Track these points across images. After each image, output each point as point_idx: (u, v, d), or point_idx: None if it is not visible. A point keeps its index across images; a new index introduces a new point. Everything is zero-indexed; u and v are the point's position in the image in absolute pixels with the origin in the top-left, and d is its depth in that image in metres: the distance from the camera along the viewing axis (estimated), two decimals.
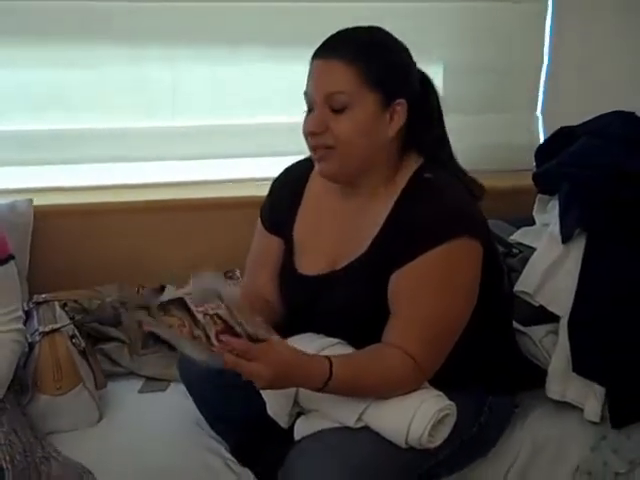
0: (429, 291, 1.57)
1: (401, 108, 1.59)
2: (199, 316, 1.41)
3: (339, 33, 1.63)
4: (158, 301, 1.43)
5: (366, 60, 1.56)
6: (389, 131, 1.59)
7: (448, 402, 1.55)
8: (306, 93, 1.62)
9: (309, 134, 1.60)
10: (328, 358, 1.51)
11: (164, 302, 1.43)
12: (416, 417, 1.51)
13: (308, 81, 1.62)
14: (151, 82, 2.44)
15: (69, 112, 2.41)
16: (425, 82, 1.67)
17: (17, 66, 2.35)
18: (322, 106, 1.58)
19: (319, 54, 1.60)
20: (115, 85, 2.41)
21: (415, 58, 1.66)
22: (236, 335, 1.43)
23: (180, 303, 1.42)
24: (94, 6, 2.33)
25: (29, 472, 1.64)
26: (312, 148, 1.62)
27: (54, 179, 2.44)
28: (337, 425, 1.58)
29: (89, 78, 2.39)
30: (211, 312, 1.41)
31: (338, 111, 1.56)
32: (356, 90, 1.55)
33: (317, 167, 1.65)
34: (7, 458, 1.61)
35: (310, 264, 1.73)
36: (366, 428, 1.56)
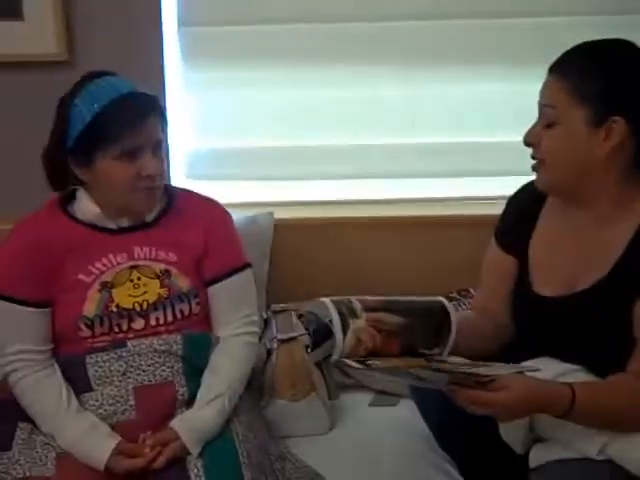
0: None
1: (617, 126, 1.54)
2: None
3: (572, 48, 1.62)
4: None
5: (580, 75, 1.56)
6: (603, 149, 1.55)
7: None
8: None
9: (525, 145, 1.64)
10: (570, 386, 1.48)
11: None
12: None
13: None
14: (388, 101, 2.48)
15: (312, 129, 2.50)
16: None
17: (263, 85, 2.47)
18: (539, 119, 1.61)
19: (549, 70, 1.63)
20: (355, 104, 2.47)
21: None
22: (467, 386, 1.46)
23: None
24: (338, 28, 2.43)
25: (264, 467, 1.72)
26: (531, 158, 1.65)
27: (294, 194, 2.54)
28: (576, 455, 1.53)
29: (332, 96, 2.47)
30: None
31: (549, 125, 1.58)
32: (565, 105, 1.56)
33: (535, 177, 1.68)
34: (245, 453, 1.69)
35: (547, 284, 1.69)
36: (608, 461, 1.51)
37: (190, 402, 1.77)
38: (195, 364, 1.79)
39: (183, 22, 2.43)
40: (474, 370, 1.47)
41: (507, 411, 1.47)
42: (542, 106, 1.61)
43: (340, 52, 2.44)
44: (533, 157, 1.63)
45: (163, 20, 2.38)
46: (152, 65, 2.36)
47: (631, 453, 1.48)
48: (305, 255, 2.39)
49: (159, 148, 1.76)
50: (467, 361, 1.57)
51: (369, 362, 1.48)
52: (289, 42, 2.43)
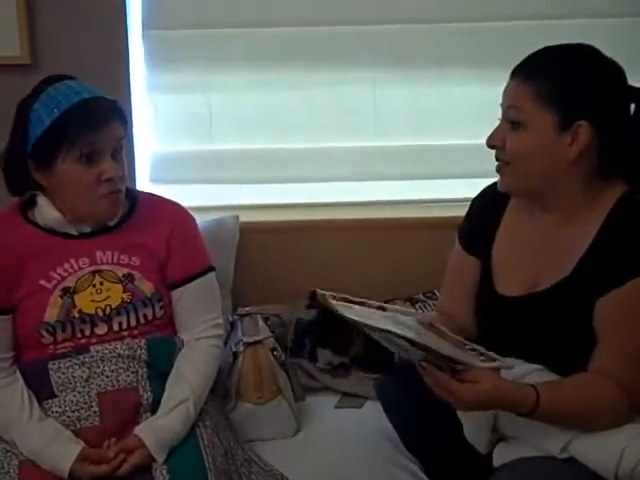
0: (638, 318, 1.52)
1: (583, 130, 1.55)
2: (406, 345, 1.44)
3: (536, 52, 1.62)
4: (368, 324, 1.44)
5: (543, 79, 1.56)
6: (569, 153, 1.56)
7: None
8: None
9: (488, 146, 1.63)
10: (534, 387, 1.49)
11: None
12: (629, 449, 1.46)
13: None
14: (354, 104, 2.50)
15: (276, 132, 2.51)
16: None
17: (229, 89, 2.48)
18: (503, 120, 1.61)
19: (512, 72, 1.63)
20: (321, 106, 2.49)
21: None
22: (439, 368, 1.45)
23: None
24: (301, 31, 2.44)
25: (230, 473, 1.72)
26: (495, 160, 1.65)
27: (260, 197, 2.55)
28: (539, 454, 1.54)
29: (295, 100, 2.49)
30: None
31: (515, 127, 1.58)
32: (530, 108, 1.56)
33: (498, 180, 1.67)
34: (210, 459, 1.69)
35: (510, 285, 1.70)
36: (571, 459, 1.52)
37: (155, 407, 1.76)
38: (160, 368, 1.78)
39: (148, 25, 2.43)
40: (451, 354, 1.45)
41: (469, 405, 1.48)
42: (506, 107, 1.61)
43: (305, 56, 2.46)
44: (497, 159, 1.63)
45: (128, 23, 2.37)
46: (117, 68, 2.35)
47: (592, 451, 1.49)
48: (271, 258, 2.40)
49: (120, 152, 1.75)
50: (455, 337, 1.55)
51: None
52: (254, 46, 2.44)
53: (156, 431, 1.71)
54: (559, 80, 1.56)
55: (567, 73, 1.57)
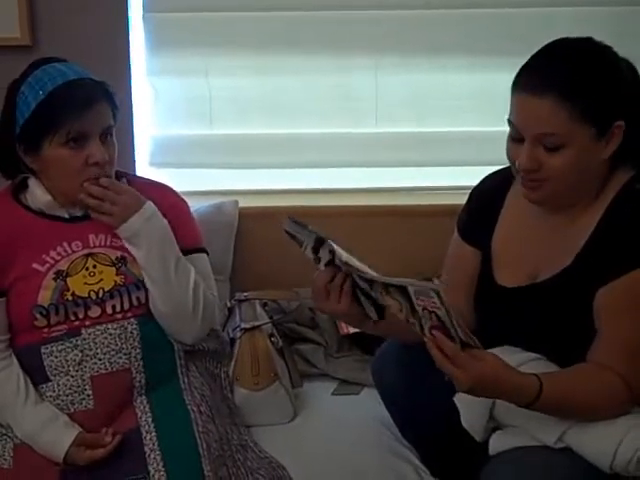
0: (638, 308, 1.51)
1: (618, 130, 1.52)
2: (418, 308, 1.42)
3: (543, 58, 1.55)
4: (383, 279, 1.43)
5: (577, 95, 1.48)
6: (603, 154, 1.54)
7: None
8: (510, 122, 1.55)
9: (522, 171, 1.55)
10: (538, 377, 1.47)
11: (388, 283, 1.44)
12: (625, 441, 1.45)
13: (512, 111, 1.55)
14: (355, 90, 2.50)
15: (277, 118, 2.50)
16: None
17: (229, 73, 2.47)
18: (533, 144, 1.52)
19: (525, 86, 1.53)
20: (321, 92, 2.49)
21: None
22: (449, 337, 1.42)
23: (402, 291, 1.43)
24: (303, 16, 2.43)
25: (224, 459, 1.72)
26: (521, 177, 1.58)
27: (259, 182, 2.55)
28: (535, 443, 1.54)
29: (296, 85, 2.48)
30: (430, 309, 1.40)
31: (551, 149, 1.51)
32: (569, 129, 1.49)
33: (524, 192, 1.60)
34: (204, 445, 1.69)
35: (509, 276, 1.69)
36: (566, 449, 1.51)
37: (149, 389, 1.76)
38: (152, 349, 1.77)
39: (148, 8, 2.41)
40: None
41: (471, 383, 1.42)
42: (540, 134, 1.50)
43: (307, 41, 2.45)
44: (525, 178, 1.55)
45: (129, 5, 2.36)
46: (117, 51, 2.34)
47: (588, 442, 1.49)
48: (270, 244, 2.36)
49: (108, 135, 1.74)
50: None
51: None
52: (255, 29, 2.43)
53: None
54: (592, 94, 1.50)
55: (597, 84, 1.50)
